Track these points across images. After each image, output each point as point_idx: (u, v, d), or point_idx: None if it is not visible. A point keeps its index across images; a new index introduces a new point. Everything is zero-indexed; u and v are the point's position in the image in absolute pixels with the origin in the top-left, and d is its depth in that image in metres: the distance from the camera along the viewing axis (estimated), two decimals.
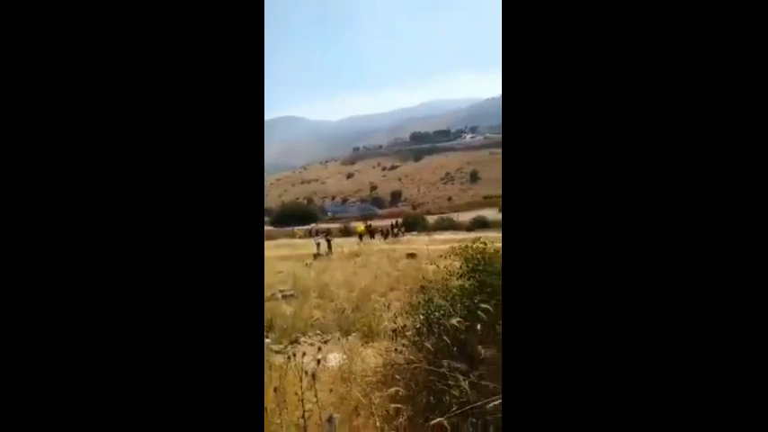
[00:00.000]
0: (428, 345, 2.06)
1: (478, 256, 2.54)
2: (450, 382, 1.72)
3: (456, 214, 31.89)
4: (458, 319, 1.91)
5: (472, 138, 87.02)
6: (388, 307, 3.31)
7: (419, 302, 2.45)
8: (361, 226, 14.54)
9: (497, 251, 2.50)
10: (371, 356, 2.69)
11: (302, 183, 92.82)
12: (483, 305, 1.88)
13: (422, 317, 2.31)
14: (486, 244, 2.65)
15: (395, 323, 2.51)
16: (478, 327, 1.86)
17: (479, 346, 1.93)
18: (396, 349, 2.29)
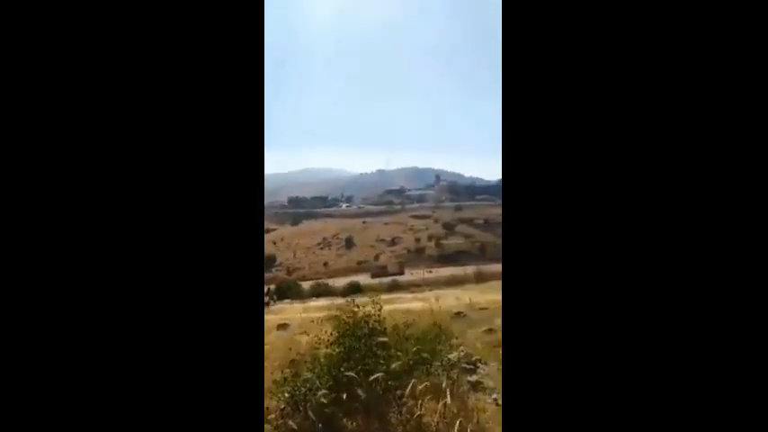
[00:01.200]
0: (293, 425, 1.89)
1: (349, 320, 2.55)
2: None
3: (332, 280, 31.67)
4: (323, 391, 1.84)
5: (347, 206, 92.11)
6: None
7: (284, 379, 2.26)
8: None
9: (366, 315, 2.59)
10: None
11: None
12: (348, 373, 1.87)
13: (287, 395, 2.13)
14: (358, 307, 2.67)
15: None
16: (344, 397, 1.83)
17: (344, 419, 1.87)
18: None
